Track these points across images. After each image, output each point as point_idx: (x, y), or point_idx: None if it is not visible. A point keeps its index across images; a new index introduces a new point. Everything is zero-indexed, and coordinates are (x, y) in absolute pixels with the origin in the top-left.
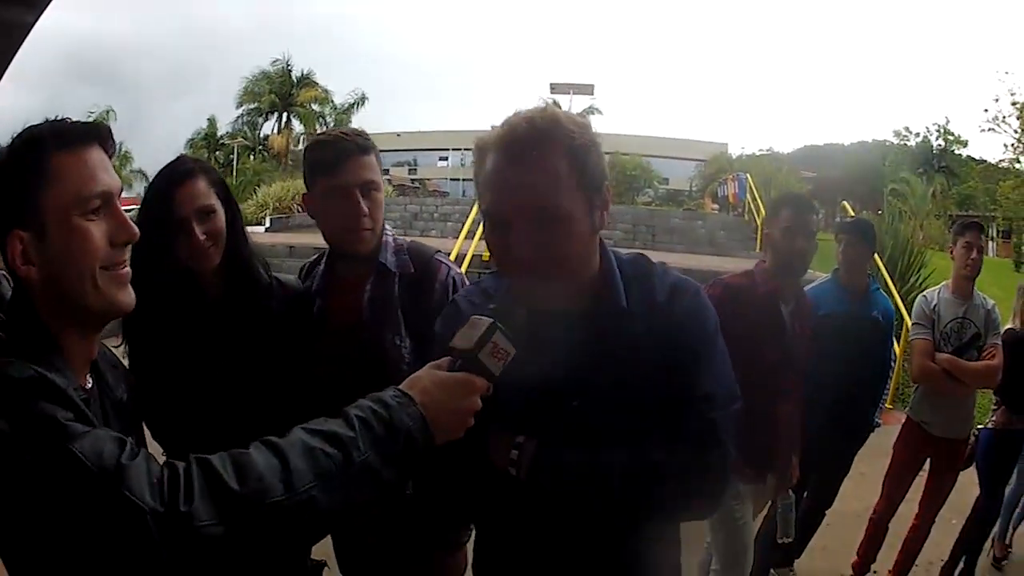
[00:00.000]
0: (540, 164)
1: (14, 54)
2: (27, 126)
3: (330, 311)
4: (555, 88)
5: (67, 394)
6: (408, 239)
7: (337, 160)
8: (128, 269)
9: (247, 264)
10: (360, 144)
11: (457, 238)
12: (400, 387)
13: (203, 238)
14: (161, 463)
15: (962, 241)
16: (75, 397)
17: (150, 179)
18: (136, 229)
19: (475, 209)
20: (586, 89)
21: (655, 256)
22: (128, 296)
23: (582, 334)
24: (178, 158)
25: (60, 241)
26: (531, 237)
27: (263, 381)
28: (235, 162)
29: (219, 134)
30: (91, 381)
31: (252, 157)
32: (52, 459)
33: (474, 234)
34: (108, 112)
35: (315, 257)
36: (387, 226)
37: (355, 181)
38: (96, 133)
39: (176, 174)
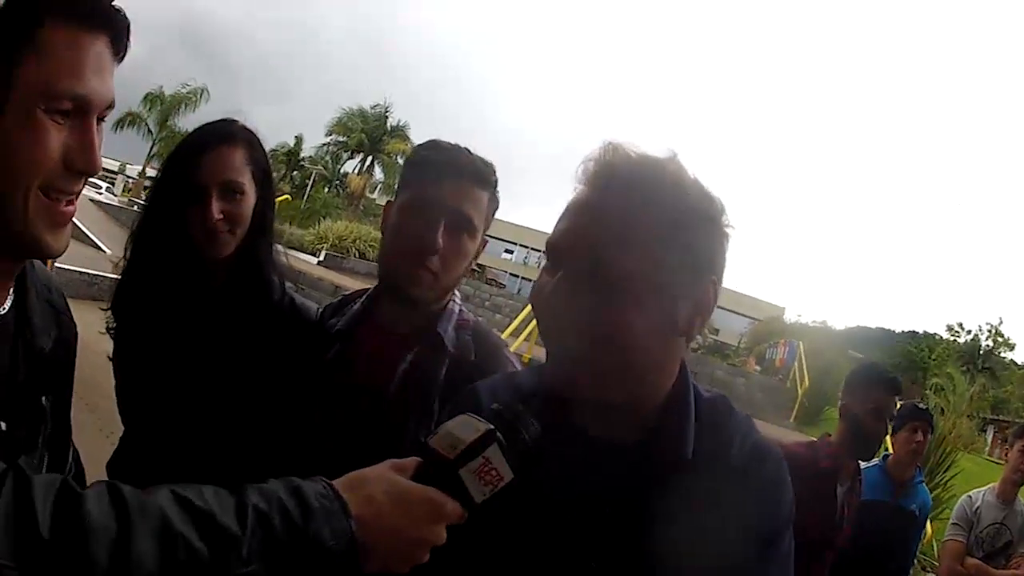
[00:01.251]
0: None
1: None
2: None
3: (349, 362)
4: None
5: None
6: (474, 318)
7: (441, 171)
8: (72, 208)
9: (261, 266)
10: (479, 171)
11: (501, 332)
12: (335, 483)
13: (219, 217)
14: None
15: (1019, 445)
16: None
17: None
18: (99, 163)
19: (528, 308)
20: None
21: None
22: (58, 242)
23: (621, 478)
24: (223, 119)
25: (10, 128)
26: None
27: (235, 392)
28: (309, 187)
29: (302, 155)
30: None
31: (327, 189)
32: None
33: (520, 333)
34: (203, 91)
35: (351, 294)
36: (457, 295)
37: (449, 204)
38: (110, 21)
39: (210, 136)
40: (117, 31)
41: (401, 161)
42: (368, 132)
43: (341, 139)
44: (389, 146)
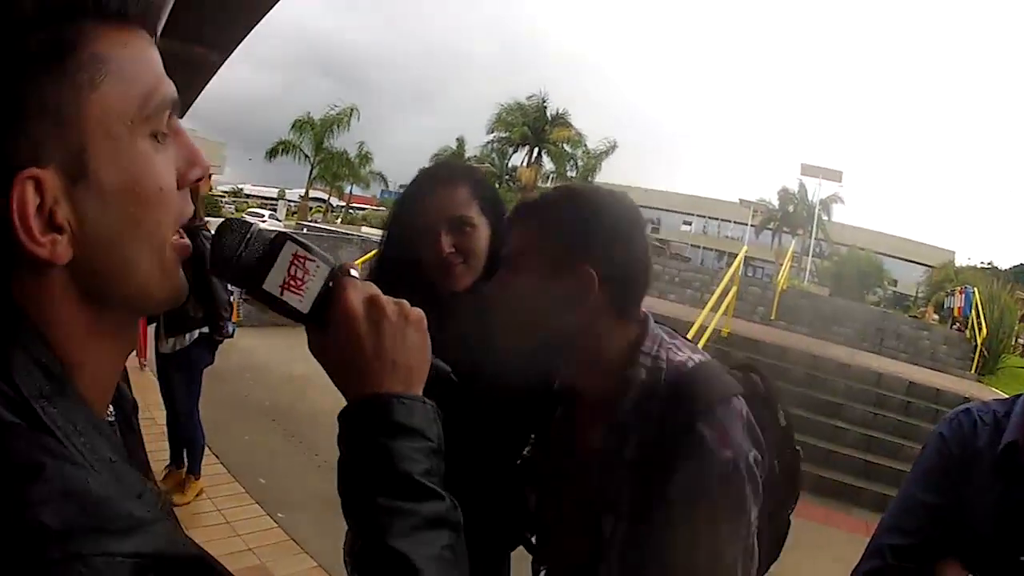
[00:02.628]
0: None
1: (251, 28)
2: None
3: (567, 423)
4: (805, 169)
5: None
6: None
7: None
8: (186, 240)
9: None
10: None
11: (695, 307)
12: (388, 389)
13: (450, 250)
14: None
15: None
16: (86, 461)
17: (388, 181)
18: (206, 162)
19: (725, 280)
20: (834, 175)
21: (878, 363)
22: (180, 284)
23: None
24: (451, 162)
25: (116, 180)
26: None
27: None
28: None
29: (467, 156)
30: (112, 411)
31: (498, 185)
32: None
33: (718, 307)
34: (352, 110)
35: None
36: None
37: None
38: (145, 9)
39: (433, 177)
40: (152, 19)
41: (568, 148)
42: (529, 124)
43: (503, 135)
44: (553, 134)
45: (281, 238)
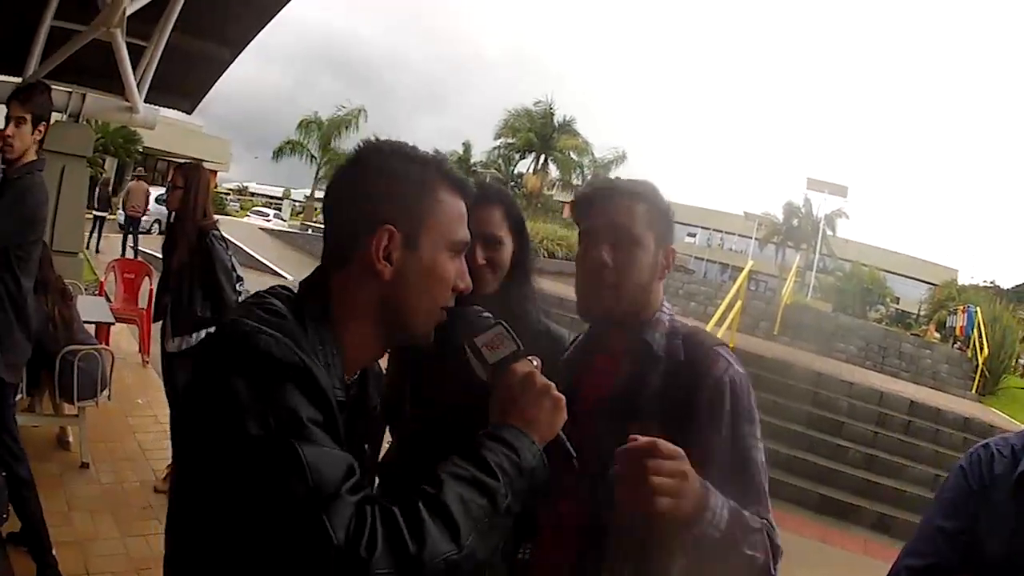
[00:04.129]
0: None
1: (264, 24)
2: (414, 149)
3: (575, 390)
4: (811, 184)
5: (325, 396)
6: (690, 325)
7: (593, 201)
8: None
9: (519, 299)
10: (636, 192)
11: (699, 320)
12: (512, 422)
13: (482, 262)
14: (355, 503)
15: None
16: (332, 399)
17: None
18: (471, 283)
19: (730, 295)
20: (840, 190)
21: (880, 382)
22: (432, 337)
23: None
24: (485, 183)
25: (427, 262)
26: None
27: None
28: None
29: (472, 160)
30: (354, 384)
31: None
32: (276, 449)
33: (723, 321)
34: (360, 111)
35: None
36: (667, 304)
37: (611, 226)
38: (469, 191)
39: (476, 197)
40: (470, 198)
41: (574, 156)
42: (536, 131)
43: (510, 141)
44: (560, 142)
45: (497, 323)
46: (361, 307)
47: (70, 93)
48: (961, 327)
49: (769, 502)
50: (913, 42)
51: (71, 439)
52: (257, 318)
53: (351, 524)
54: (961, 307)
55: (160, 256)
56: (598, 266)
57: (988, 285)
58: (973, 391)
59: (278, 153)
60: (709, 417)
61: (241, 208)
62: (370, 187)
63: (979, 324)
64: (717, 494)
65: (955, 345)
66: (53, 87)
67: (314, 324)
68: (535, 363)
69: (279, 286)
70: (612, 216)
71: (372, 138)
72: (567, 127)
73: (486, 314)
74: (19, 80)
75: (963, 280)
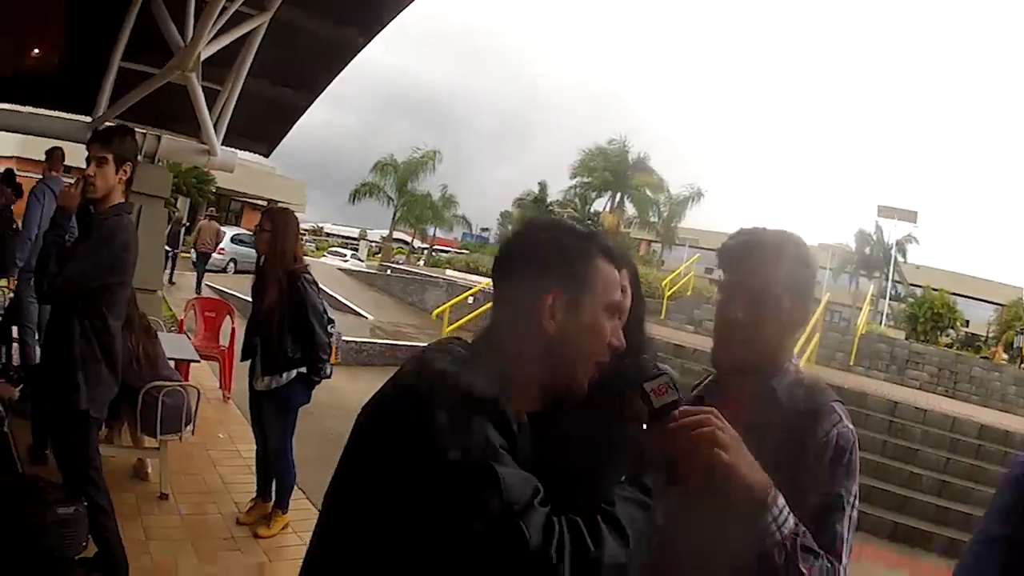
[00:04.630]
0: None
1: (339, 71)
2: (575, 225)
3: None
4: (882, 211)
5: (510, 427)
6: (813, 376)
7: (739, 254)
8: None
9: (638, 345)
10: (778, 251)
11: None
12: (655, 452)
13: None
14: (546, 513)
15: None
16: (514, 430)
17: (471, 224)
18: (624, 343)
19: (809, 327)
20: (910, 216)
21: (951, 407)
22: (585, 389)
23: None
24: (614, 245)
25: (588, 322)
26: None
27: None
28: None
29: (548, 200)
30: (526, 416)
31: None
32: (476, 471)
33: (802, 356)
34: (435, 153)
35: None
36: (794, 357)
37: (746, 284)
38: (624, 261)
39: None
40: (623, 267)
41: (650, 193)
42: (611, 169)
43: (586, 180)
44: (635, 180)
45: (663, 372)
46: (528, 361)
47: (144, 134)
48: None
49: (845, 555)
50: (970, 68)
51: (149, 470)
52: (451, 360)
53: (543, 531)
54: None
55: (236, 294)
56: (731, 323)
57: None
58: None
59: (355, 195)
60: (812, 466)
61: (317, 248)
62: (542, 254)
63: None
64: (785, 502)
65: (1022, 365)
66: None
67: (491, 371)
68: (673, 395)
69: (455, 338)
70: (751, 274)
71: (534, 216)
72: (642, 164)
73: (657, 364)
74: (89, 119)
75: None
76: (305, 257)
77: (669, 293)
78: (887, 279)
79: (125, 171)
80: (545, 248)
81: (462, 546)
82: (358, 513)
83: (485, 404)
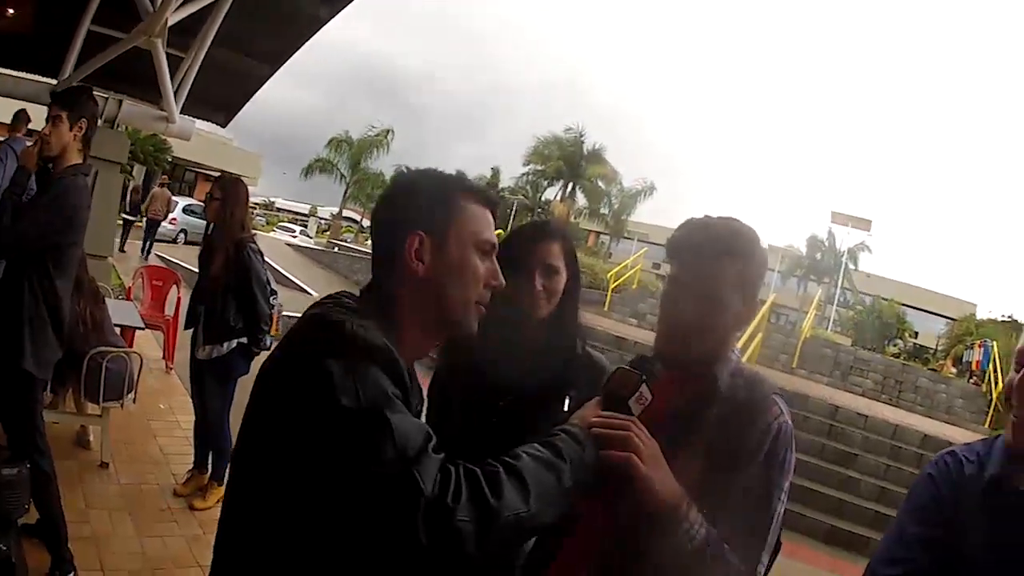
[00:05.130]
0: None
1: (302, 44)
2: (439, 170)
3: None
4: (835, 217)
5: (402, 376)
6: (754, 368)
7: (689, 249)
8: (482, 309)
9: (568, 326)
10: (725, 243)
11: None
12: (584, 428)
13: (540, 289)
14: (440, 459)
15: None
16: (406, 379)
17: None
18: (503, 280)
19: (752, 327)
20: (864, 224)
21: (894, 415)
22: (474, 329)
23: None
24: (547, 221)
25: (456, 259)
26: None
27: (539, 426)
28: (512, 218)
29: (500, 186)
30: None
31: (530, 217)
32: (369, 418)
33: (744, 354)
34: (388, 132)
35: None
36: (737, 348)
37: (694, 280)
38: (493, 202)
39: (540, 232)
40: (495, 208)
41: (602, 185)
42: (565, 158)
43: (539, 168)
44: (589, 170)
45: (642, 380)
46: (408, 307)
47: (106, 98)
48: (977, 361)
49: (767, 550)
50: (934, 78)
51: (91, 438)
52: (340, 310)
53: (438, 477)
54: (978, 342)
55: (185, 265)
56: (676, 314)
57: (1006, 319)
58: (986, 425)
59: (308, 171)
60: (746, 458)
61: (267, 223)
62: (401, 201)
63: (995, 358)
64: (699, 514)
65: (971, 380)
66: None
67: (377, 322)
68: (649, 399)
69: (344, 292)
70: (698, 266)
71: (403, 168)
72: (596, 155)
73: (634, 370)
74: (55, 82)
75: (981, 314)
76: (254, 231)
77: (614, 285)
78: (836, 285)
79: (80, 127)
80: (406, 194)
81: (359, 495)
82: (261, 468)
83: (374, 352)
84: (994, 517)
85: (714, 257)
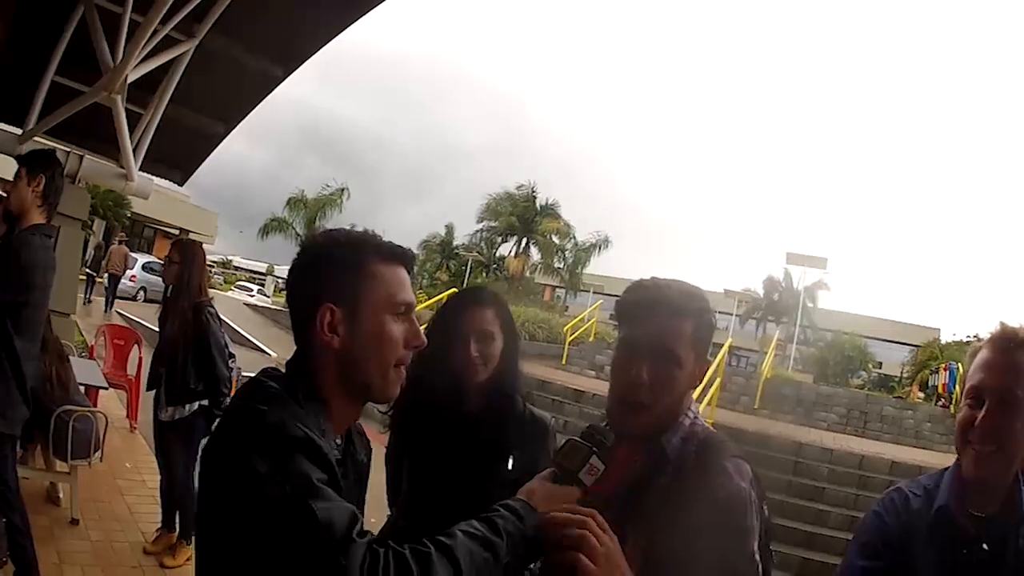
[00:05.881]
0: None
1: (258, 103)
2: (348, 230)
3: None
4: (791, 258)
5: (327, 458)
6: (711, 432)
7: (641, 310)
8: (403, 371)
9: (507, 388)
10: (678, 304)
11: None
12: (527, 499)
13: (476, 355)
14: (366, 544)
15: None
16: (332, 460)
17: None
18: (425, 339)
19: (709, 372)
20: (819, 263)
21: (860, 446)
22: (397, 391)
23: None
24: (481, 288)
25: (369, 327)
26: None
27: (484, 487)
28: (467, 274)
29: (455, 243)
30: (341, 441)
31: (486, 274)
32: (294, 508)
33: (703, 399)
34: (343, 190)
35: None
36: (693, 408)
37: (650, 342)
38: (406, 258)
39: (472, 298)
40: (409, 263)
41: (556, 240)
42: (518, 214)
43: (493, 224)
44: (542, 226)
45: (592, 452)
46: (330, 379)
47: (68, 153)
48: (944, 384)
49: None
50: (881, 110)
51: (61, 495)
52: (263, 399)
53: (365, 562)
54: (943, 365)
55: (146, 324)
56: (634, 384)
57: (972, 339)
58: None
59: (264, 230)
60: (698, 528)
61: (225, 282)
62: (310, 273)
63: (961, 379)
64: None
65: (939, 403)
66: (54, 146)
67: (304, 399)
68: (601, 469)
69: (270, 368)
70: (656, 333)
71: (316, 232)
72: (549, 210)
73: (584, 443)
74: (19, 132)
75: (945, 337)
76: (212, 290)
77: (571, 339)
78: (796, 324)
79: (38, 182)
80: (314, 265)
81: None
82: (213, 544)
83: (296, 444)
84: (943, 547)
85: (664, 319)
